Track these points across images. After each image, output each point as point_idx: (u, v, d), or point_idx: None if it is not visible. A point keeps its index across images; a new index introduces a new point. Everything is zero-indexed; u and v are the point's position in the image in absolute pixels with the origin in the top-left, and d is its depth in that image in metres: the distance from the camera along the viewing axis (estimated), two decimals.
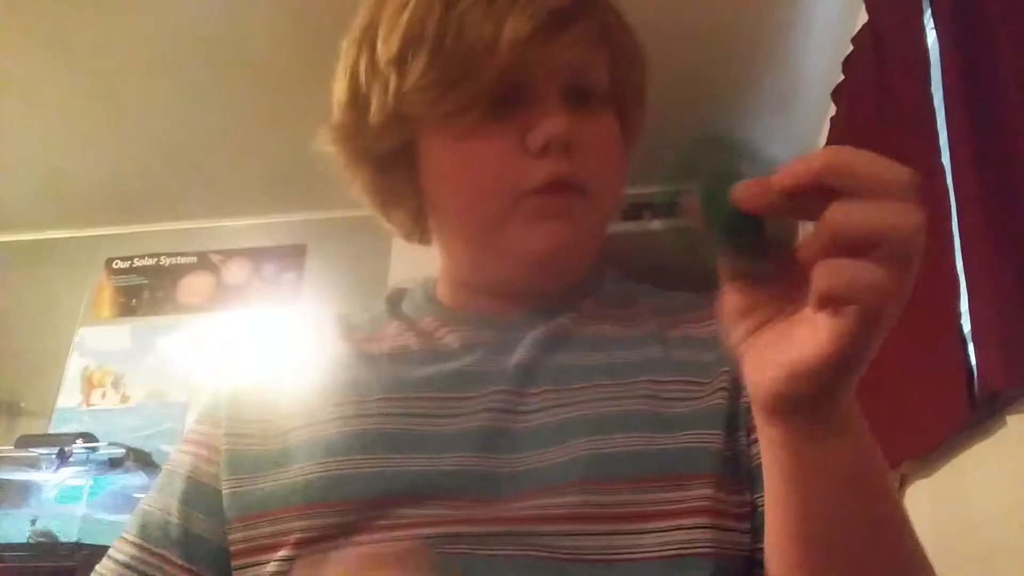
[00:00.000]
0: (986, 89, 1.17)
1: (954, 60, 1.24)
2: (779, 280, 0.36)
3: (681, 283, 0.69)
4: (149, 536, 0.56)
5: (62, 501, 2.34)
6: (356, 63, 0.59)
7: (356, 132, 0.60)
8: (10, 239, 3.06)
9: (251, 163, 2.65)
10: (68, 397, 2.76)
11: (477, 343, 0.59)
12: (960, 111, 1.21)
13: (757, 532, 0.51)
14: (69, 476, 2.30)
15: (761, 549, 0.48)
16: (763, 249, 0.36)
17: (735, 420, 0.54)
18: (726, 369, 0.56)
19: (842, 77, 1.90)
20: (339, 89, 0.61)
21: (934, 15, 1.36)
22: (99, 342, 2.85)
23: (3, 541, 2.13)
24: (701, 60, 2.14)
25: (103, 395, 2.75)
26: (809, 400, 0.36)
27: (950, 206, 1.24)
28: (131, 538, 0.57)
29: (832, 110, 2.05)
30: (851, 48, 1.83)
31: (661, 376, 0.56)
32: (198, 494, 0.57)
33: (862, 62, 1.75)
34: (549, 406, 0.54)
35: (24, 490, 2.37)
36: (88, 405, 2.74)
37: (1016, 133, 1.10)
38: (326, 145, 0.62)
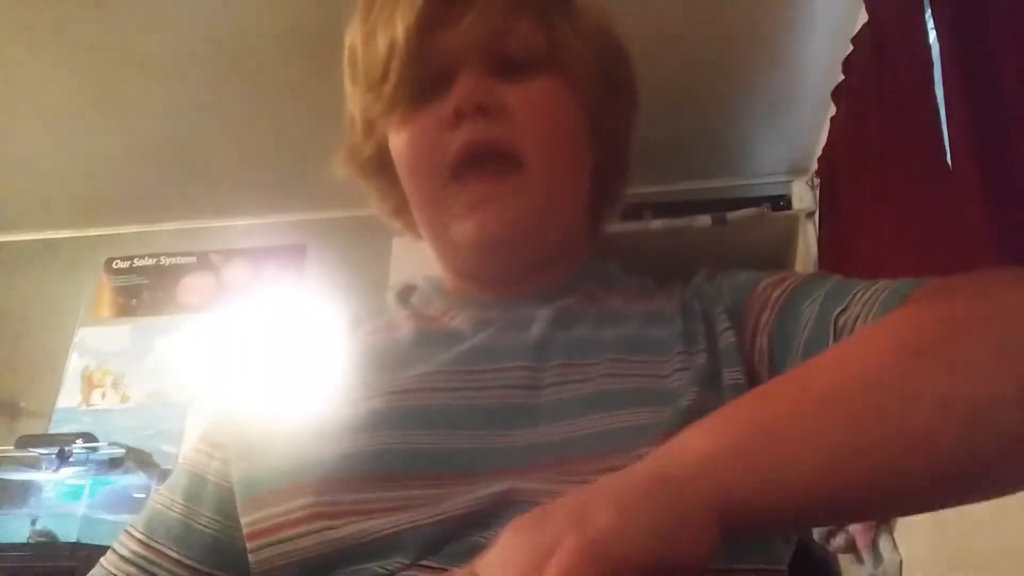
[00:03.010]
0: (987, 89, 1.17)
1: (955, 60, 1.24)
2: None
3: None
4: (153, 531, 0.56)
5: (62, 501, 2.34)
6: (350, 93, 0.67)
7: (352, 148, 0.68)
8: (10, 239, 3.05)
9: (251, 163, 2.64)
10: (68, 397, 2.75)
11: (485, 322, 0.59)
12: (961, 111, 1.21)
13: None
14: (69, 476, 2.30)
15: None
16: None
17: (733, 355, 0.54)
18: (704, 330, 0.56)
19: (842, 77, 1.90)
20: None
21: (934, 15, 1.36)
22: (99, 342, 2.84)
23: (3, 541, 2.13)
24: (701, 60, 2.13)
25: (103, 395, 2.74)
26: None
27: (958, 206, 1.23)
28: (136, 533, 0.57)
29: (832, 110, 2.04)
30: (851, 48, 1.83)
31: (663, 354, 0.55)
32: (200, 489, 0.57)
33: (862, 62, 1.75)
34: (563, 381, 0.53)
35: (24, 490, 2.37)
36: (88, 405, 2.73)
37: (1018, 132, 1.10)
38: (338, 166, 0.70)
